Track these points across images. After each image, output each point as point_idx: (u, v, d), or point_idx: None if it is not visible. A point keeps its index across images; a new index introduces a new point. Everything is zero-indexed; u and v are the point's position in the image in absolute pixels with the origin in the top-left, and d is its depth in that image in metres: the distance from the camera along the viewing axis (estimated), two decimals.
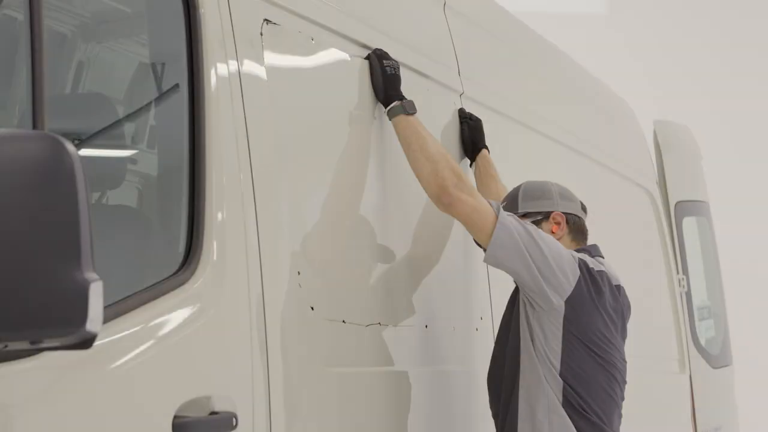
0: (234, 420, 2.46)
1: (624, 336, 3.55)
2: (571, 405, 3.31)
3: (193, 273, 2.46)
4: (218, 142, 2.60)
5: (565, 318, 3.32)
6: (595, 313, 3.37)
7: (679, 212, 5.83)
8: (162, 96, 2.83)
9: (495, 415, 3.47)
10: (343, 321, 3.02)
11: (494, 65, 4.37)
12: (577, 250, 3.50)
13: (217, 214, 2.56)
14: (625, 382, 3.51)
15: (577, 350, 3.33)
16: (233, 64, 2.71)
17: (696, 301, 5.83)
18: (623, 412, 3.53)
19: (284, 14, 2.99)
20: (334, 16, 3.21)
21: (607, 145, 5.37)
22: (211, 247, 2.52)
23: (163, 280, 2.44)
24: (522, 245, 3.27)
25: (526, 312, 3.37)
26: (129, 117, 3.17)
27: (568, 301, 3.33)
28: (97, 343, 1.80)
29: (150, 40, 2.96)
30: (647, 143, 6.00)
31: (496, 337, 3.54)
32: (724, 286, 6.33)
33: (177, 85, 2.68)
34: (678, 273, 5.73)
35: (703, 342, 5.81)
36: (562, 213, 3.57)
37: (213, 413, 2.43)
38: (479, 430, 3.62)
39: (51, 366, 2.08)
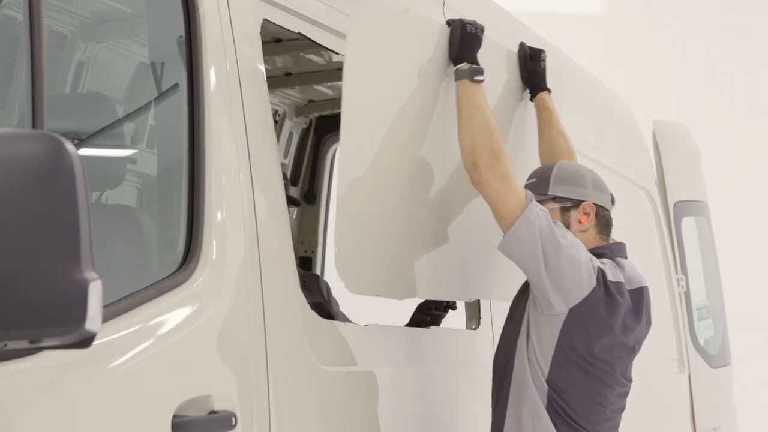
0: (233, 419, 2.47)
1: (635, 353, 3.40)
2: (555, 411, 3.22)
3: (192, 272, 2.47)
4: (218, 142, 2.60)
5: (564, 326, 3.20)
6: (599, 330, 3.23)
7: (678, 212, 5.83)
8: (162, 96, 2.83)
9: (492, 401, 3.40)
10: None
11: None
12: (600, 249, 3.37)
13: (216, 214, 2.56)
14: (625, 395, 3.40)
15: (569, 361, 3.22)
16: (233, 64, 2.71)
17: (695, 301, 5.83)
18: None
19: (284, 14, 2.99)
20: (333, 16, 3.21)
21: (607, 145, 5.37)
22: (211, 246, 2.53)
23: (163, 279, 2.45)
24: (539, 243, 3.15)
25: (529, 309, 3.27)
26: (129, 117, 3.18)
27: (573, 311, 3.20)
28: (96, 342, 1.80)
29: (150, 40, 2.96)
30: (646, 143, 6.00)
31: (504, 322, 3.44)
32: (723, 285, 6.33)
33: (177, 85, 2.68)
34: (677, 273, 5.73)
35: (702, 342, 5.81)
36: (593, 204, 3.42)
37: (212, 412, 2.43)
38: (479, 429, 3.62)
39: (50, 365, 2.08)
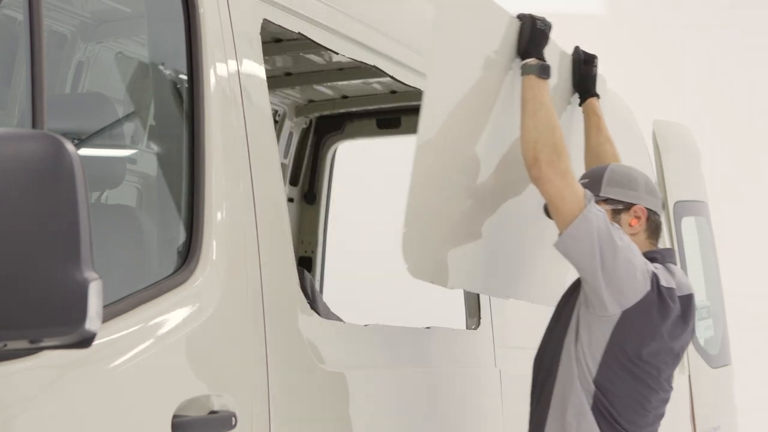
0: (233, 419, 2.47)
1: (679, 359, 3.41)
2: (600, 412, 3.23)
3: (192, 272, 2.47)
4: (218, 142, 2.60)
5: (616, 328, 3.20)
6: (649, 334, 3.23)
7: (678, 212, 5.82)
8: (162, 96, 2.83)
9: (531, 397, 3.40)
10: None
11: None
12: (652, 254, 3.36)
13: (216, 214, 2.56)
14: (666, 401, 3.41)
15: (618, 363, 3.22)
16: (233, 64, 2.71)
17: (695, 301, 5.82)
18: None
19: (284, 14, 2.99)
20: (333, 16, 3.21)
21: None
22: (211, 246, 2.53)
23: (163, 279, 2.45)
24: (597, 244, 3.14)
25: (579, 309, 3.27)
26: (129, 117, 3.17)
27: (626, 313, 3.19)
28: (96, 342, 1.80)
29: (150, 40, 2.96)
30: (646, 143, 6.00)
31: (550, 321, 3.44)
32: (723, 285, 6.33)
33: (177, 85, 2.68)
34: None
35: (702, 342, 5.81)
36: (644, 208, 3.42)
37: (212, 412, 2.43)
38: (479, 429, 3.62)
39: (50, 365, 2.08)
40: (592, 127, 3.75)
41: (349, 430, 2.98)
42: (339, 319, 3.59)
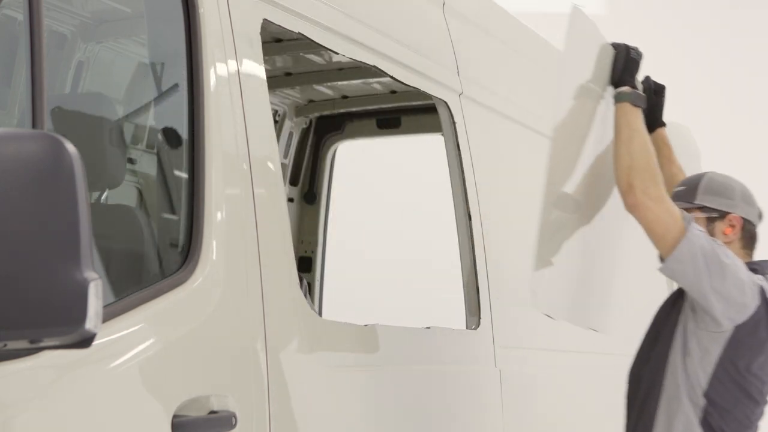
0: (233, 419, 2.46)
1: None
2: (709, 426, 3.26)
3: (192, 272, 2.47)
4: (218, 142, 2.60)
5: (728, 343, 3.23)
6: (759, 348, 3.27)
7: None
8: (162, 96, 2.83)
9: (629, 410, 3.42)
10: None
11: (493, 65, 4.37)
12: (750, 265, 3.37)
13: (216, 214, 2.56)
14: (762, 414, 3.43)
15: (728, 377, 3.25)
16: (233, 64, 2.71)
17: None
18: None
19: (284, 14, 2.99)
20: (333, 16, 3.21)
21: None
22: (211, 246, 2.52)
23: (163, 279, 2.45)
24: (703, 265, 3.17)
25: (686, 324, 3.29)
26: (129, 117, 3.17)
27: (738, 328, 3.23)
28: (96, 342, 1.80)
29: (150, 40, 2.96)
30: None
31: (646, 332, 3.47)
32: None
33: (177, 85, 2.68)
34: None
35: None
36: (740, 217, 3.43)
37: (212, 412, 2.43)
38: (479, 429, 3.62)
39: (50, 365, 2.08)
40: (664, 158, 3.77)
41: (350, 430, 2.98)
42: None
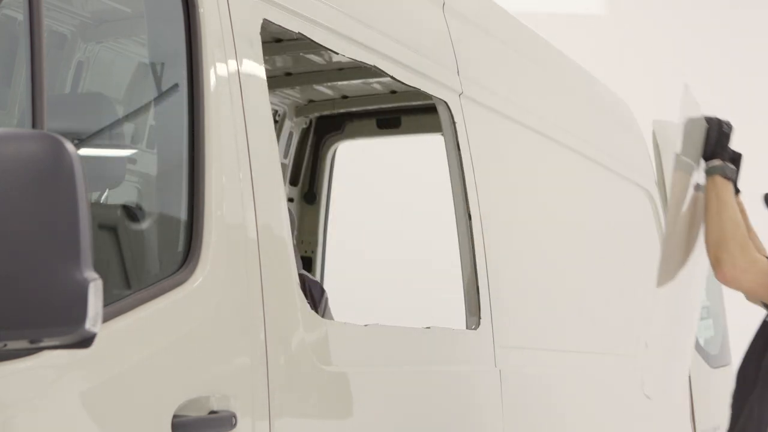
0: (233, 419, 2.47)
1: None
2: None
3: (192, 272, 2.47)
4: (218, 141, 2.60)
5: None
6: None
7: None
8: (162, 96, 2.83)
9: (734, 409, 3.50)
10: None
11: (493, 65, 4.38)
12: None
13: (216, 214, 2.56)
14: None
15: None
16: (233, 64, 2.71)
17: None
18: None
19: (284, 14, 2.99)
20: (333, 16, 3.21)
21: (607, 145, 5.37)
22: (211, 246, 2.52)
23: (163, 279, 2.45)
24: None
25: None
26: (129, 117, 3.17)
27: None
28: (96, 342, 1.80)
29: (150, 40, 2.96)
30: (646, 143, 6.00)
31: (755, 333, 3.63)
32: (722, 285, 6.32)
33: (177, 85, 2.68)
34: None
35: (701, 342, 5.81)
36: None
37: (212, 413, 2.43)
38: (479, 429, 3.62)
39: (50, 365, 2.08)
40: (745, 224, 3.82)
41: (350, 429, 2.98)
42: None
